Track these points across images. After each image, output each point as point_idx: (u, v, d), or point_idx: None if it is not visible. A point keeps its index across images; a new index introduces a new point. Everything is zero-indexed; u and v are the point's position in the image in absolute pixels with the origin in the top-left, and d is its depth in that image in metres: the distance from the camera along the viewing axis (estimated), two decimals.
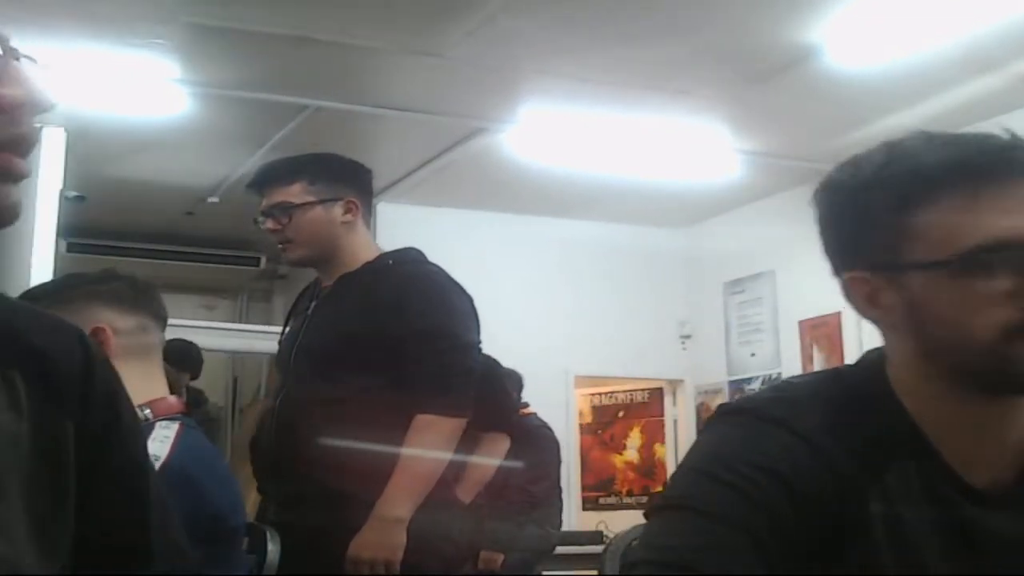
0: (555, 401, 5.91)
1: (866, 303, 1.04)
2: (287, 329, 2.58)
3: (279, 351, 2.59)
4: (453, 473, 2.43)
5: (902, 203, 0.99)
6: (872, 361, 1.09)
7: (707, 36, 3.90)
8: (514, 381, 5.33)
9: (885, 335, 1.07)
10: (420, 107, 4.65)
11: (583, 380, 6.77)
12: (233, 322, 6.89)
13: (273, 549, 1.98)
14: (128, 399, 0.94)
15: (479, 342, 2.43)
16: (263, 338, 5.52)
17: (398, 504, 2.24)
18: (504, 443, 3.95)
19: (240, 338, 6.04)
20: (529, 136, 4.93)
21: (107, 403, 0.90)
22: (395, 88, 4.44)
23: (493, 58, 4.10)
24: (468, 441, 3.38)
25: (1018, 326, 0.96)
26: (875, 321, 1.06)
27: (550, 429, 4.89)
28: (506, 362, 5.13)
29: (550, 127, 4.82)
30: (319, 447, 2.23)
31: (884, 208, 1.00)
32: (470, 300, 2.47)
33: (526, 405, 5.37)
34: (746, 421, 1.03)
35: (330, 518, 2.26)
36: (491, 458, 3.84)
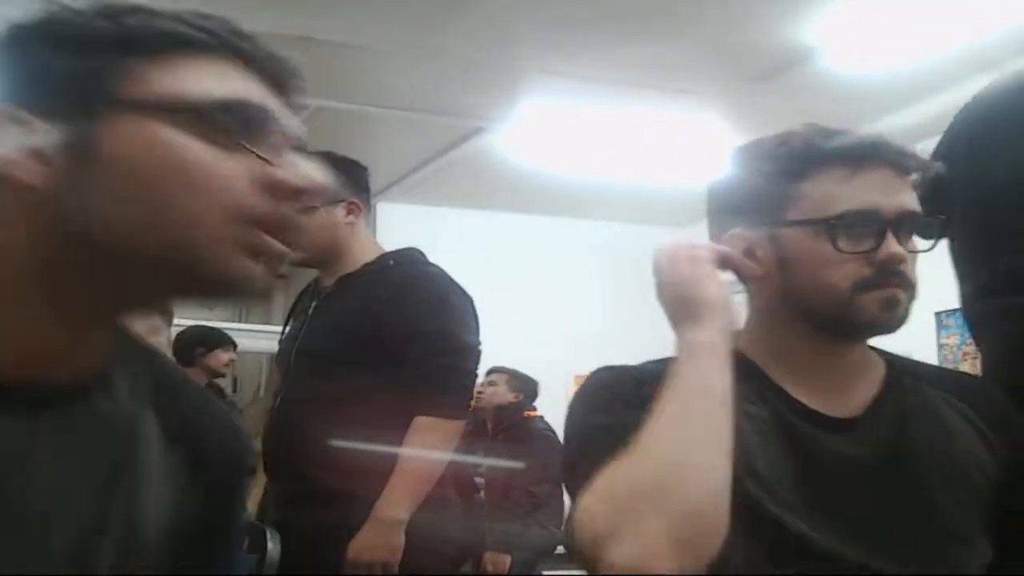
0: (555, 401, 5.90)
1: (743, 256, 1.26)
2: (287, 329, 2.58)
3: (279, 351, 2.58)
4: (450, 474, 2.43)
5: (793, 173, 1.22)
6: None
7: (707, 35, 3.90)
8: (529, 387, 5.36)
9: (749, 286, 1.29)
10: (420, 107, 4.64)
11: (583, 380, 6.73)
12: (233, 322, 6.88)
13: (273, 548, 1.98)
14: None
15: (479, 343, 2.43)
16: (263, 338, 5.52)
17: (396, 506, 2.24)
18: None
19: (240, 338, 6.01)
20: (529, 136, 4.93)
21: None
22: (395, 88, 4.44)
23: (493, 57, 4.09)
24: None
25: (864, 281, 1.18)
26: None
27: (553, 432, 4.89)
28: (506, 362, 5.14)
29: (550, 127, 4.82)
30: (318, 447, 2.23)
31: (776, 177, 1.22)
32: (470, 301, 2.46)
33: (533, 408, 5.39)
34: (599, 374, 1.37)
35: (330, 518, 2.25)
36: None
